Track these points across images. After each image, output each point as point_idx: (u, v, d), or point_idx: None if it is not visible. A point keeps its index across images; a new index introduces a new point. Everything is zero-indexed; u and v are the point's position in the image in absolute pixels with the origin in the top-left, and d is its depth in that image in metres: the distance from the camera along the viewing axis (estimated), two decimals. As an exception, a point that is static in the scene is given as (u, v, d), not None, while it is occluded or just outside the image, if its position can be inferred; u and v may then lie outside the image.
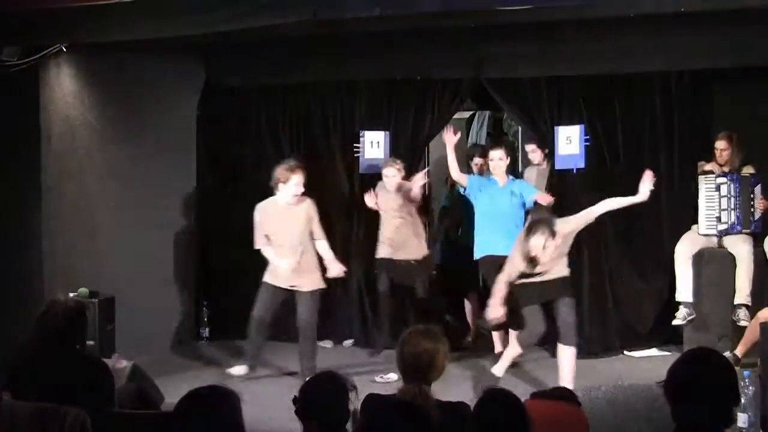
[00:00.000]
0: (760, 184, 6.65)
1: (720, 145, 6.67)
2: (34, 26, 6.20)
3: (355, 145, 7.71)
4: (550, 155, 7.31)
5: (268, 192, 7.88)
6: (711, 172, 6.70)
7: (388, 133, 7.66)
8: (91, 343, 5.08)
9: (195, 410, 2.73)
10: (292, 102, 8.10)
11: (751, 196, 6.62)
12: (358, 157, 7.68)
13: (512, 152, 7.19)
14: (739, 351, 5.89)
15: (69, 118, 6.76)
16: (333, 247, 7.57)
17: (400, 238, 7.01)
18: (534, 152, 7.41)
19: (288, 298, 6.58)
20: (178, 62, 7.68)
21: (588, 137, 7.16)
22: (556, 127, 7.24)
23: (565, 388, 4.56)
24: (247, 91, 8.18)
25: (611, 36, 6.95)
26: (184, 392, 2.87)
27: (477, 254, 6.73)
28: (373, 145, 7.62)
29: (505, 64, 7.40)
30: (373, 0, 5.47)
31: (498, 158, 6.74)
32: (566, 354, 5.77)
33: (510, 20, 6.49)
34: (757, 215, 6.63)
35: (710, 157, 6.76)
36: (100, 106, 7.00)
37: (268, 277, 6.56)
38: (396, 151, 7.57)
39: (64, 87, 6.71)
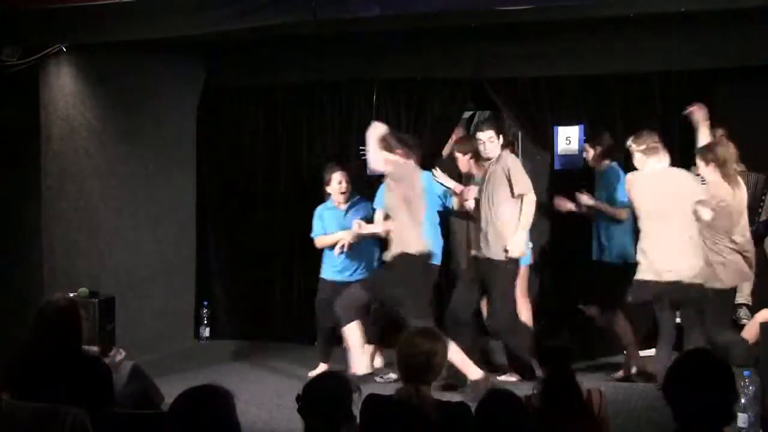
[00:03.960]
0: None
1: (718, 134, 6.68)
2: (34, 26, 6.20)
3: (360, 147, 7.69)
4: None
5: (267, 192, 7.92)
6: None
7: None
8: (95, 349, 5.07)
9: (189, 409, 2.73)
10: (292, 102, 8.10)
11: (762, 197, 6.63)
12: (365, 158, 7.65)
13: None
14: None
15: (69, 118, 6.76)
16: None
17: None
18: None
19: None
20: (178, 62, 7.69)
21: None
22: (555, 127, 7.25)
23: None
24: (247, 91, 8.18)
25: (611, 36, 6.96)
26: (184, 392, 2.87)
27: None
28: None
29: (505, 64, 7.41)
30: (373, 0, 5.48)
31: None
32: None
33: (510, 20, 6.49)
34: (763, 217, 6.64)
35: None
36: (100, 106, 7.00)
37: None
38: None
39: (64, 87, 6.71)
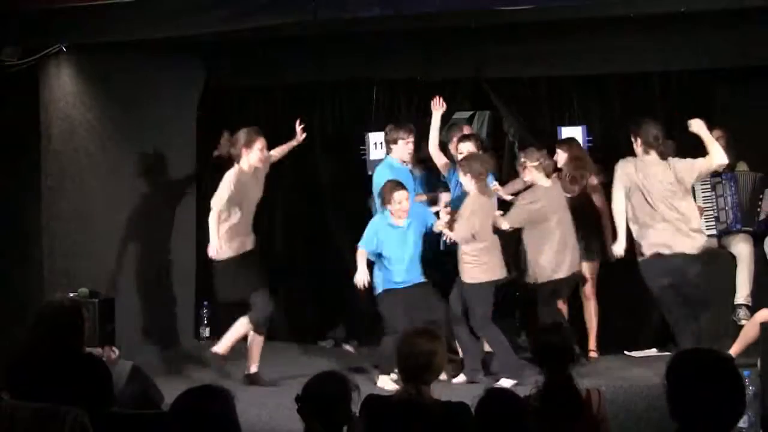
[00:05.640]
0: None
1: (716, 134, 6.69)
2: (34, 26, 6.21)
3: (361, 147, 7.70)
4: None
5: (267, 192, 7.87)
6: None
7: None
8: (99, 350, 5.08)
9: (189, 409, 2.74)
10: (292, 102, 8.09)
11: (761, 196, 6.63)
12: (365, 158, 7.66)
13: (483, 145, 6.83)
14: (733, 351, 5.85)
15: (69, 118, 6.76)
16: (335, 247, 7.61)
17: None
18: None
19: None
20: (178, 62, 7.68)
21: (590, 138, 7.16)
22: (559, 127, 7.24)
23: None
24: (247, 91, 8.18)
25: (611, 36, 6.96)
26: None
27: None
28: (377, 146, 7.59)
29: (505, 65, 7.40)
30: (373, 0, 5.48)
31: (466, 151, 6.45)
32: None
33: (510, 20, 6.49)
34: (763, 216, 6.64)
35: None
36: (100, 106, 7.00)
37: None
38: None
39: (64, 87, 6.71)
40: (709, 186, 6.68)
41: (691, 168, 6.08)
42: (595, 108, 7.39)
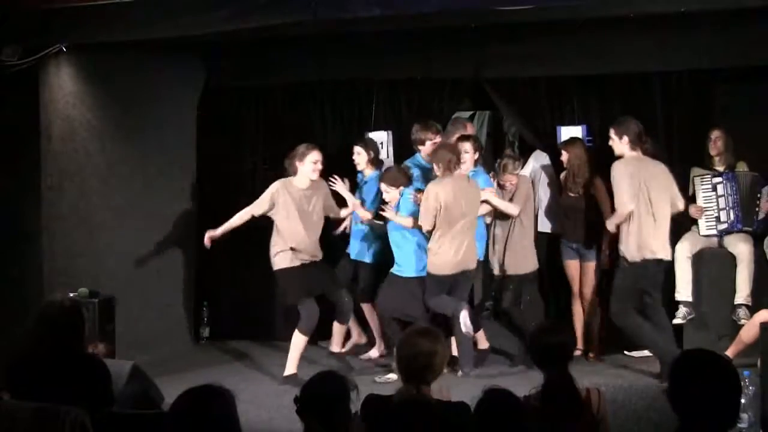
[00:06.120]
0: None
1: (714, 134, 6.70)
2: (34, 26, 6.21)
3: None
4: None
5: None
6: (707, 173, 6.72)
7: (390, 133, 7.66)
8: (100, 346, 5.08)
9: (190, 409, 2.74)
10: (292, 102, 8.10)
11: (758, 195, 6.64)
12: None
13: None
14: (729, 352, 5.84)
15: (69, 118, 6.77)
16: (336, 247, 7.60)
17: None
18: None
19: None
20: (178, 62, 7.68)
21: (591, 138, 7.16)
22: (559, 127, 7.24)
23: None
24: (247, 91, 8.18)
25: (611, 36, 6.95)
26: (183, 393, 2.87)
27: None
28: (378, 146, 7.58)
29: (505, 64, 7.40)
30: (373, 0, 5.48)
31: (464, 151, 6.57)
32: None
33: (510, 20, 6.49)
34: (761, 215, 6.64)
35: (704, 159, 6.79)
36: (100, 106, 7.00)
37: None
38: (399, 150, 7.58)
39: (64, 87, 6.72)
40: (710, 186, 6.68)
41: (666, 189, 6.21)
42: (595, 108, 7.39)
